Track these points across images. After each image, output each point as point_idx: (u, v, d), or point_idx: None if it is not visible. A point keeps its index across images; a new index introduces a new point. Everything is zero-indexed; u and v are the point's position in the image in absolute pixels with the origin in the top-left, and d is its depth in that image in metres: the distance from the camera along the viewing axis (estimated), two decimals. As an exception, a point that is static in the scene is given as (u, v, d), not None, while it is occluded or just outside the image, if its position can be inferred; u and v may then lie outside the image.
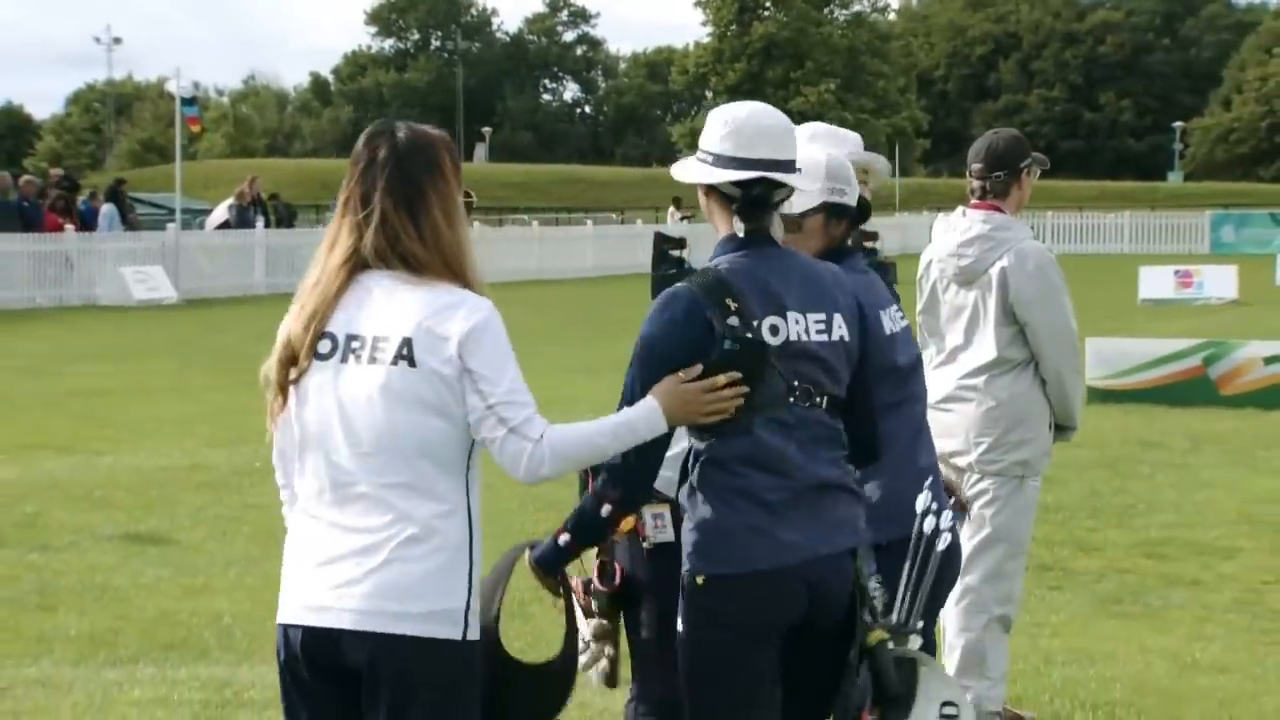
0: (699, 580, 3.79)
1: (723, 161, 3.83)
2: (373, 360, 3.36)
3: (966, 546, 5.97)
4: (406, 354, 3.34)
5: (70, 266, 28.80)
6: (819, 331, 3.84)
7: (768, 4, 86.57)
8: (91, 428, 13.77)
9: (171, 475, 11.44)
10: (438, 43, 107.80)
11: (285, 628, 3.46)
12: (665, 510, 4.21)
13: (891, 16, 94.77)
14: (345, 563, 3.37)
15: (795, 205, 4.26)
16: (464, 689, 3.44)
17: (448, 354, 3.34)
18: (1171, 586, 8.32)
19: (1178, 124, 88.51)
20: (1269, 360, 14.90)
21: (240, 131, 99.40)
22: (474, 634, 3.43)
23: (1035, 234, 6.38)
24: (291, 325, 3.44)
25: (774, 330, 3.77)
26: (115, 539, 9.36)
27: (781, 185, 3.85)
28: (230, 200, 33.76)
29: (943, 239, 6.05)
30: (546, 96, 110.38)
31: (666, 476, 4.05)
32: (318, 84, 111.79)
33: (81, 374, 17.79)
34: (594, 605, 4.30)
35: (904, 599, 4.03)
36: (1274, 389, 14.73)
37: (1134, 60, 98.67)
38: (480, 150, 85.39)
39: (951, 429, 5.95)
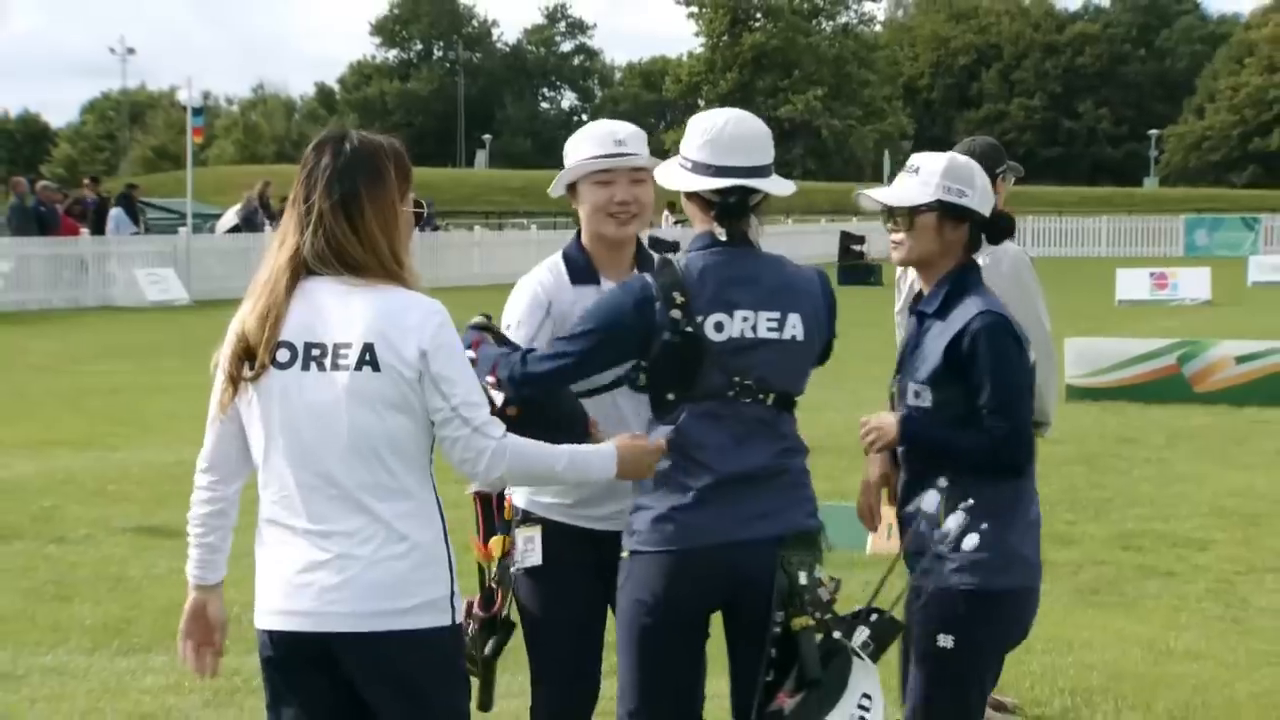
0: (624, 555, 3.94)
1: (700, 168, 3.90)
2: (335, 367, 3.34)
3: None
4: (370, 359, 3.33)
5: (86, 269, 28.81)
6: (770, 329, 3.88)
7: (758, 15, 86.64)
8: (106, 424, 13.75)
9: (184, 470, 11.32)
10: (440, 53, 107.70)
11: (266, 633, 3.46)
12: (536, 533, 4.16)
13: (877, 28, 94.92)
14: (327, 568, 3.36)
15: (906, 198, 4.08)
16: (458, 668, 3.49)
17: (409, 356, 3.33)
18: (1147, 577, 8.33)
19: (1153, 132, 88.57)
20: (1241, 359, 14.92)
21: (249, 138, 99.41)
22: (460, 616, 3.47)
23: (1016, 237, 6.37)
24: (247, 321, 3.41)
25: (718, 327, 3.85)
26: (129, 532, 9.36)
27: (756, 190, 3.92)
28: (239, 205, 33.75)
29: (920, 242, 6.04)
30: (545, 104, 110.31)
31: (542, 502, 4.18)
32: (324, 93, 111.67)
33: (96, 372, 17.77)
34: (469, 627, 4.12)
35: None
36: (1246, 386, 14.75)
37: (1111, 70, 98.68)
38: (481, 156, 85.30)
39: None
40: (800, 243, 47.00)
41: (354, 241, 3.37)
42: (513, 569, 4.17)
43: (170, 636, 7.10)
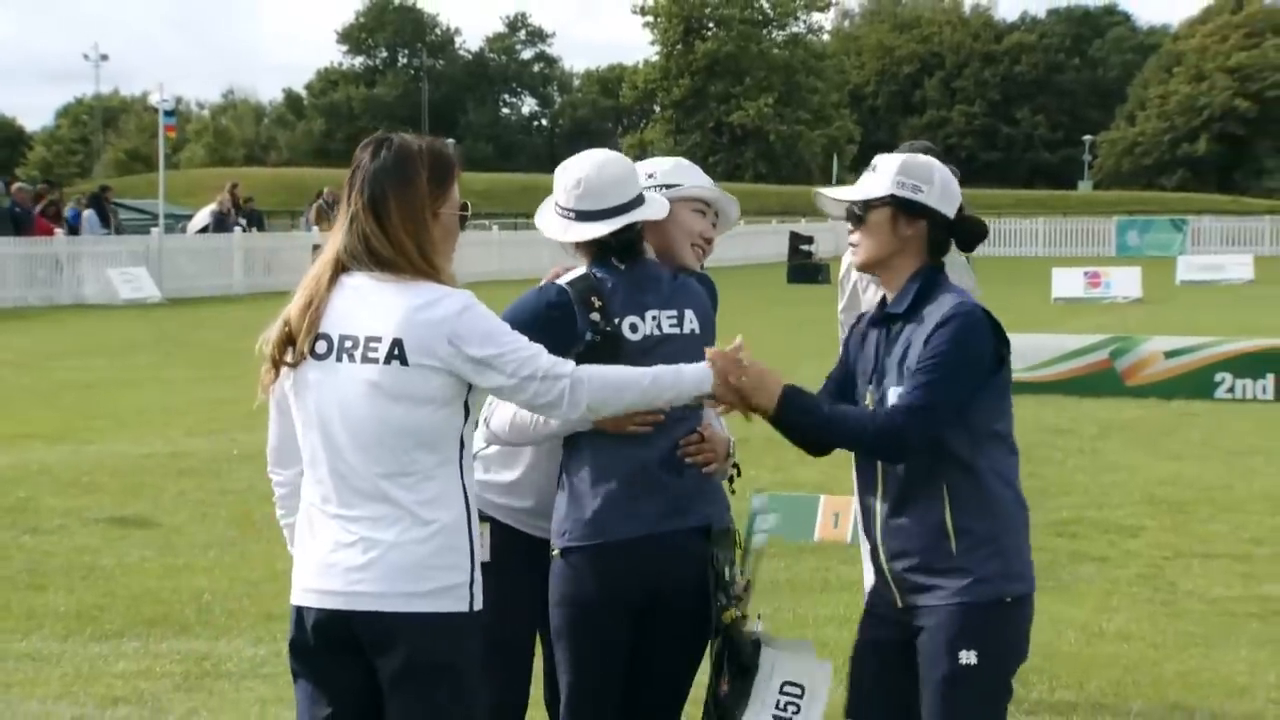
0: (554, 553, 3.94)
1: (586, 216, 3.99)
2: (366, 360, 3.37)
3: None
4: (398, 353, 3.35)
5: (60, 268, 28.58)
6: (671, 325, 3.99)
7: (711, 24, 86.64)
8: (80, 418, 13.64)
9: (155, 462, 11.35)
10: (404, 60, 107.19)
11: (299, 609, 3.46)
12: (485, 530, 4.04)
13: (825, 37, 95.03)
14: (353, 549, 3.37)
15: (857, 193, 3.85)
16: (473, 656, 3.45)
17: (439, 350, 3.35)
18: (1081, 562, 8.38)
19: (1087, 137, 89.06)
20: (1169, 354, 15.03)
21: (220, 142, 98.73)
22: (479, 604, 3.45)
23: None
24: (292, 310, 3.46)
25: (633, 328, 3.95)
26: (102, 522, 9.28)
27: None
28: (211, 206, 33.53)
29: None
30: (506, 110, 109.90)
31: (494, 503, 4.14)
32: (292, 98, 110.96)
33: (71, 368, 17.62)
34: None
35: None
36: (1174, 380, 14.86)
37: (1047, 79, 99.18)
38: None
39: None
40: (751, 243, 47.06)
41: (383, 240, 3.40)
42: None
43: (142, 624, 7.09)
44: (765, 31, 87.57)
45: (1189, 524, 9.34)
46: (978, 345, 3.68)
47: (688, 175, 4.27)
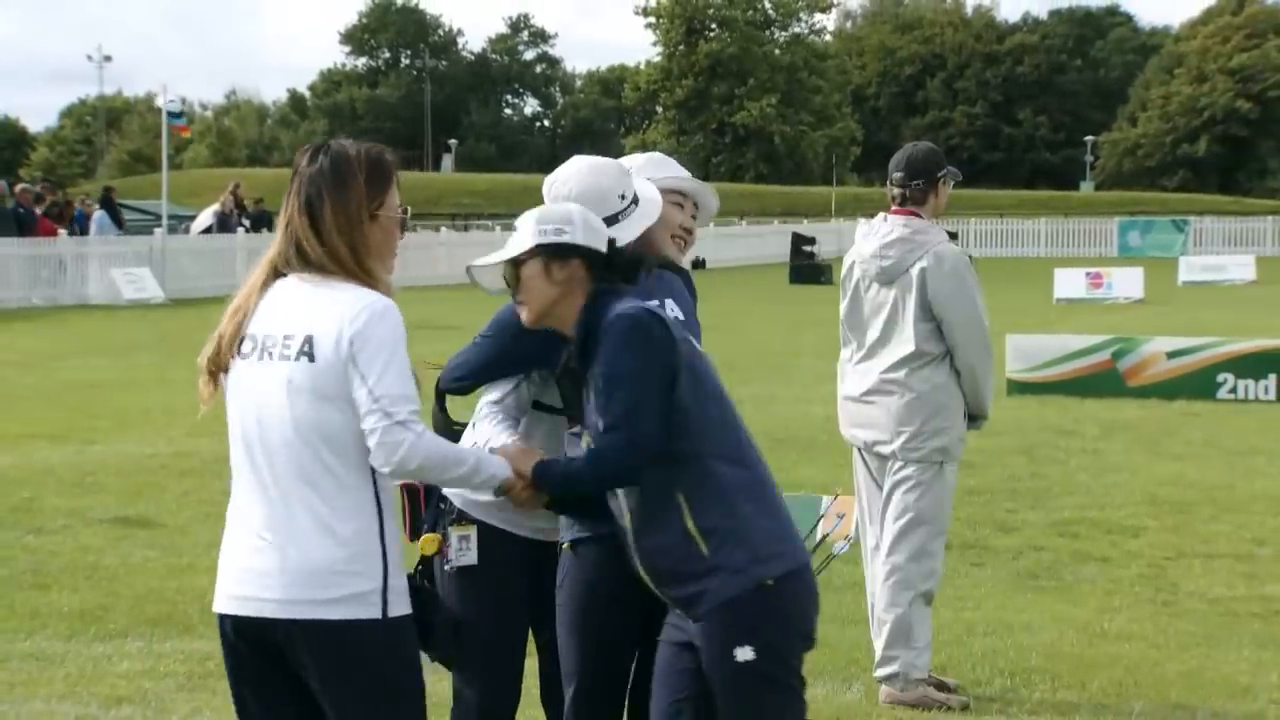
0: (564, 546, 3.96)
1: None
2: (283, 357, 3.37)
3: (892, 529, 6.01)
4: (308, 350, 3.33)
5: (64, 269, 28.61)
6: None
7: (713, 25, 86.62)
8: (84, 418, 13.64)
9: (158, 462, 11.35)
10: (407, 61, 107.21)
11: (220, 616, 3.48)
12: (472, 532, 4.07)
13: (827, 38, 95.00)
14: (265, 554, 3.36)
15: (505, 254, 3.85)
16: (394, 664, 3.39)
17: (341, 347, 3.32)
18: (1083, 562, 8.37)
19: (1089, 138, 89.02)
20: (1171, 355, 15.02)
21: (223, 143, 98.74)
22: (398, 610, 3.39)
23: (959, 239, 6.41)
24: (223, 320, 3.50)
25: None
26: (105, 522, 9.28)
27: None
28: (214, 206, 33.55)
29: (864, 242, 6.09)
30: (508, 111, 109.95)
31: (479, 502, 4.06)
32: (295, 99, 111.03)
33: (74, 369, 17.63)
34: None
35: None
36: (1176, 381, 14.85)
37: (1049, 79, 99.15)
38: (447, 161, 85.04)
39: (875, 420, 5.98)
40: (753, 244, 47.09)
41: (314, 243, 3.39)
42: (447, 567, 4.04)
43: (145, 623, 7.08)
44: (768, 32, 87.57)
45: (1191, 524, 9.33)
46: (643, 344, 3.58)
47: (663, 168, 4.29)
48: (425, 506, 4.12)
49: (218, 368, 3.48)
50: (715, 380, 3.73)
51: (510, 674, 4.22)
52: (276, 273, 3.45)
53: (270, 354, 3.39)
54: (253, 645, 3.42)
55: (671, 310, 4.02)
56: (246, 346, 3.42)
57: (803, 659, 3.68)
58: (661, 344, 3.60)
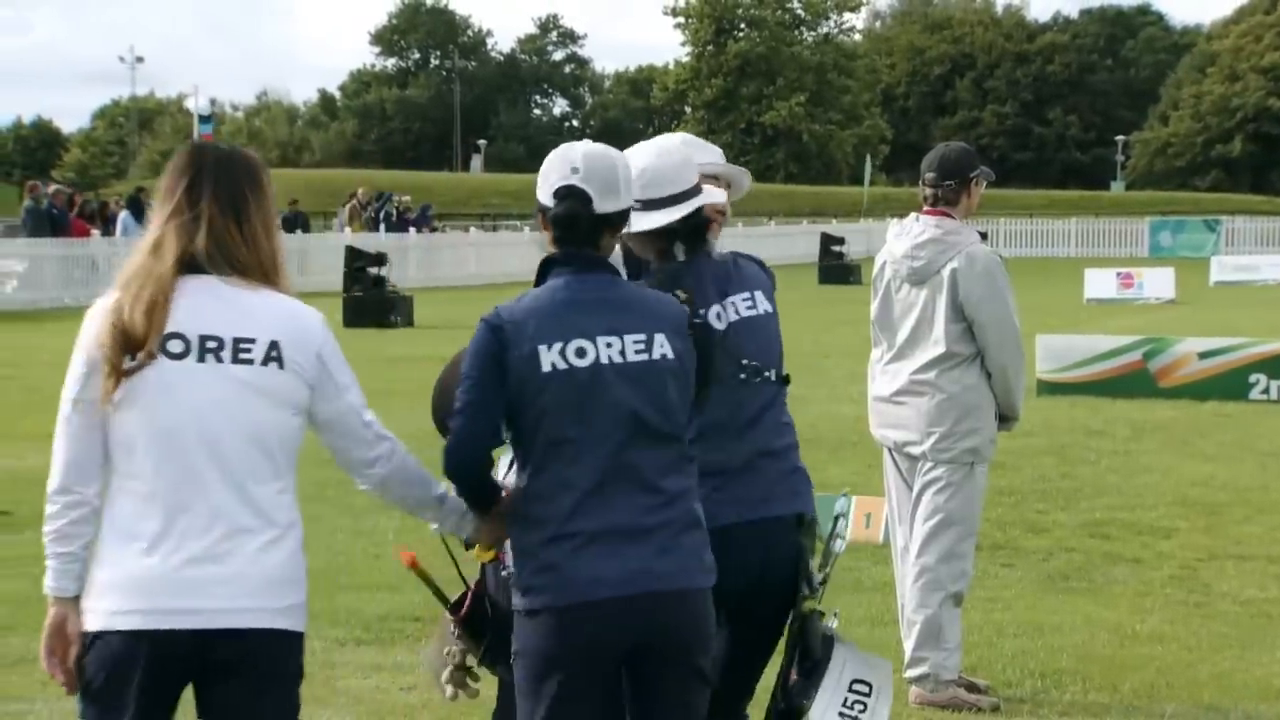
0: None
1: (652, 205, 3.96)
2: (239, 360, 3.26)
3: (922, 530, 5.99)
4: (276, 356, 3.27)
5: (96, 269, 28.76)
6: (748, 308, 4.11)
7: (742, 25, 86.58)
8: (115, 418, 13.70)
9: (190, 462, 11.37)
10: (436, 61, 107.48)
11: (127, 634, 3.21)
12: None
13: (857, 37, 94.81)
14: (212, 563, 3.21)
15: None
16: (299, 680, 3.38)
17: (309, 360, 3.31)
18: (1114, 564, 8.34)
19: (1120, 138, 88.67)
20: (1203, 355, 14.94)
21: (253, 144, 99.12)
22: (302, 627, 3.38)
23: (989, 239, 6.39)
24: (129, 312, 3.23)
25: (718, 316, 4.01)
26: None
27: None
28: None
29: (896, 242, 6.07)
30: (537, 111, 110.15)
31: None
32: (325, 100, 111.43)
33: (106, 368, 17.71)
34: (454, 632, 3.96)
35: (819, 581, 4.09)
36: (1208, 381, 14.77)
37: (1079, 79, 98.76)
38: (476, 161, 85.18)
39: (905, 420, 5.96)
40: (782, 244, 47.03)
41: (240, 244, 3.33)
42: (504, 573, 3.86)
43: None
44: (797, 32, 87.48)
45: (1223, 525, 9.28)
46: (475, 353, 3.52)
47: (700, 152, 4.30)
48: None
49: (129, 366, 3.23)
50: (546, 393, 3.47)
51: None
52: (185, 269, 3.29)
53: (219, 356, 3.25)
54: (167, 664, 3.22)
55: (762, 303, 4.05)
56: (176, 346, 3.24)
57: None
58: (488, 351, 3.50)
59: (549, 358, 3.46)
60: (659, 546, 3.47)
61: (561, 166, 3.62)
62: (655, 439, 3.50)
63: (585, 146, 3.66)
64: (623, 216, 3.65)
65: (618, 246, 3.98)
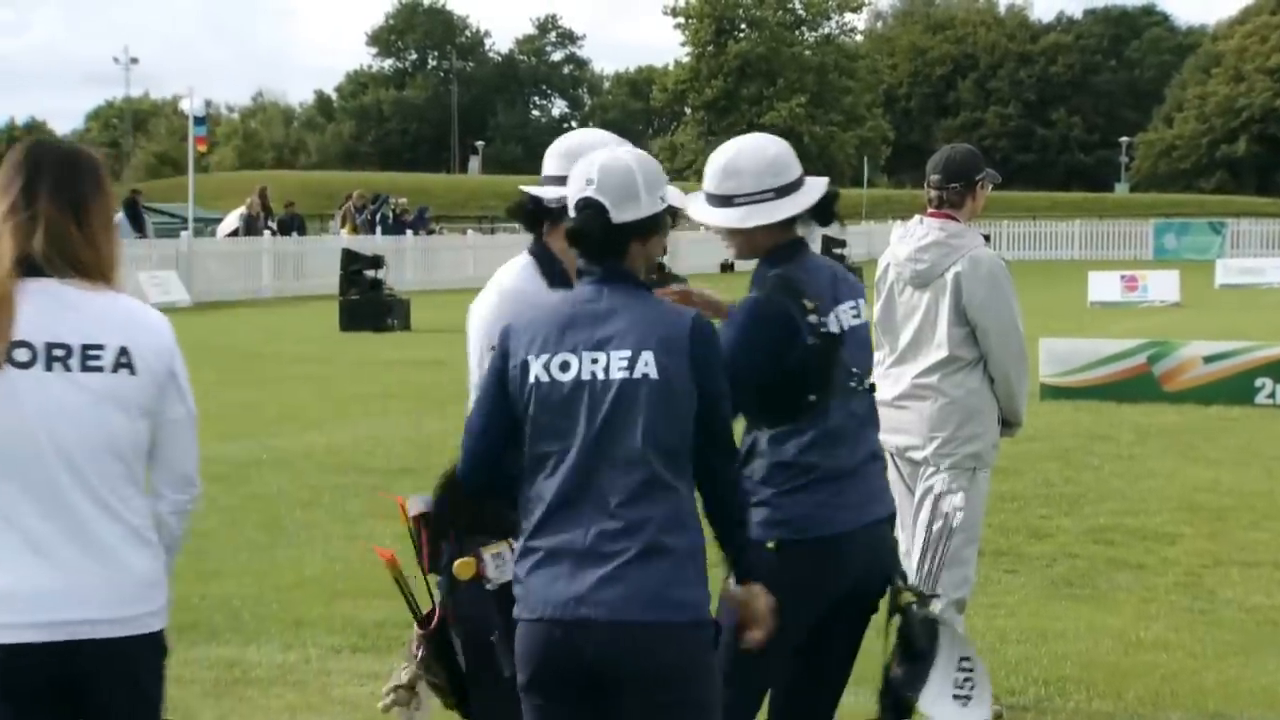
0: (769, 545, 3.92)
1: (785, 191, 4.04)
2: (88, 368, 3.19)
3: (922, 535, 5.99)
4: (126, 362, 3.23)
5: (88, 272, 28.74)
6: (854, 316, 4.13)
7: (743, 25, 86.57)
8: (109, 423, 13.68)
9: (184, 467, 11.36)
10: (434, 62, 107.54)
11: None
12: (504, 548, 3.90)
13: (858, 38, 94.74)
14: (84, 574, 3.17)
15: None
16: (164, 673, 3.40)
17: (160, 364, 3.29)
18: (1118, 570, 8.33)
19: (1124, 139, 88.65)
20: (1208, 359, 14.94)
21: (249, 145, 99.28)
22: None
23: (992, 241, 6.39)
24: None
25: (836, 322, 4.04)
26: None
27: None
28: (240, 210, 33.72)
29: (900, 244, 6.07)
30: (535, 113, 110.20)
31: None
32: (322, 101, 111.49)
33: (100, 372, 17.69)
34: (417, 649, 3.92)
35: (925, 568, 4.35)
36: (1213, 385, 14.77)
37: (1083, 79, 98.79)
38: (474, 163, 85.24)
39: (907, 425, 5.95)
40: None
41: (84, 245, 3.27)
42: (489, 587, 3.83)
43: (171, 629, 7.09)
44: (798, 32, 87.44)
45: (1228, 531, 9.28)
46: (490, 366, 3.62)
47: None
48: (445, 535, 3.97)
49: None
50: (530, 410, 3.50)
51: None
52: (24, 271, 3.22)
53: (67, 365, 3.18)
54: (35, 680, 3.15)
55: (865, 309, 4.16)
56: (21, 355, 3.15)
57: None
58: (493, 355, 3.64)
59: (535, 370, 3.47)
60: (605, 575, 3.40)
61: (579, 179, 3.57)
62: (623, 462, 3.42)
63: (604, 156, 3.57)
64: (653, 221, 3.55)
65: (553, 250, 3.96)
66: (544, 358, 3.47)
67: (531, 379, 3.47)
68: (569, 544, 3.44)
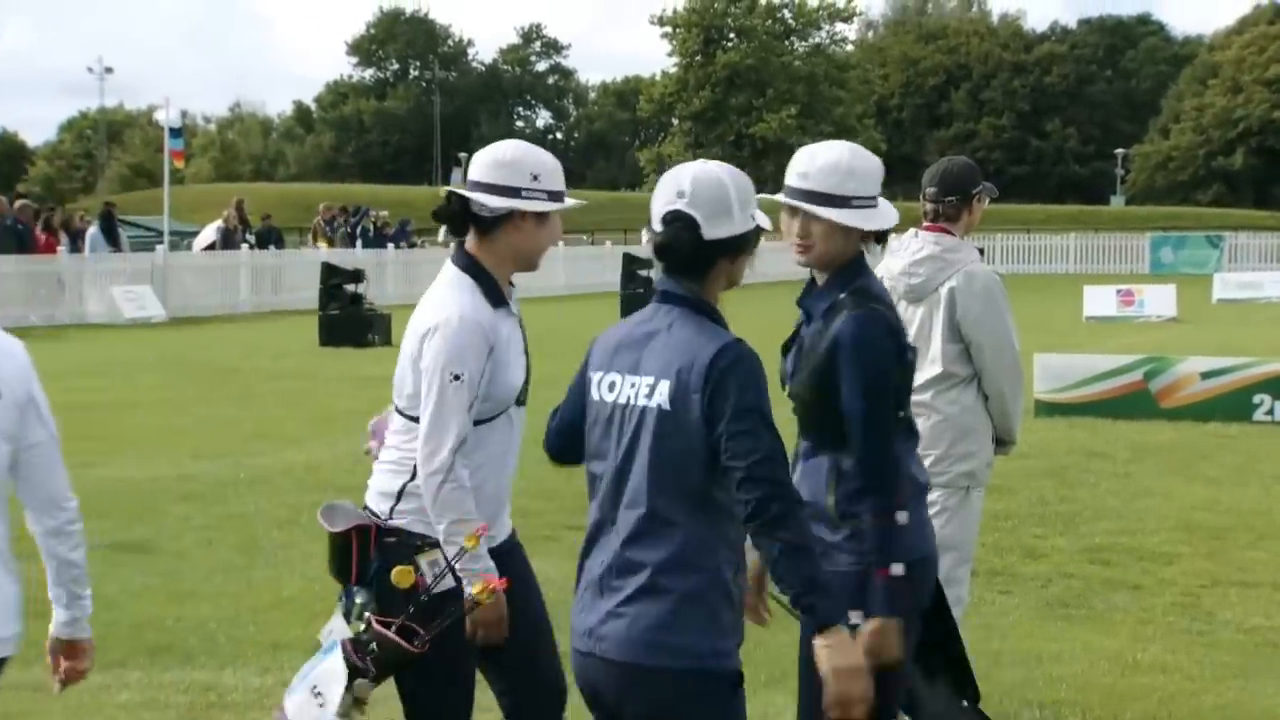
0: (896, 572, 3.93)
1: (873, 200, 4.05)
2: None
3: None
4: None
5: (62, 286, 28.69)
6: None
7: (731, 35, 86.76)
8: (82, 440, 13.64)
9: (158, 486, 11.36)
10: (416, 72, 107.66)
11: None
12: (439, 556, 3.92)
13: (849, 48, 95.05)
14: None
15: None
16: None
17: (20, 386, 3.33)
18: (1114, 590, 8.34)
19: (1119, 151, 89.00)
20: (1206, 375, 14.97)
21: (226, 157, 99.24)
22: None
23: (986, 255, 6.39)
24: None
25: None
26: (104, 548, 9.27)
27: None
28: (217, 223, 33.66)
29: (893, 258, 6.07)
30: (520, 123, 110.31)
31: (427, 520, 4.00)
32: (301, 111, 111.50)
33: (72, 389, 17.64)
34: (370, 664, 3.85)
35: None
36: (1211, 402, 14.80)
37: (1078, 90, 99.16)
38: (456, 175, 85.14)
39: (900, 442, 5.95)
40: (774, 260, 47.06)
41: None
42: (425, 597, 3.82)
43: (144, 653, 7.08)
44: (788, 42, 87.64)
45: (1226, 551, 9.29)
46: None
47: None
48: (374, 544, 4.04)
49: None
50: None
51: (546, 670, 4.28)
52: None
53: None
54: None
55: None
56: None
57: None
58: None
59: (593, 386, 3.53)
60: (610, 610, 3.38)
61: (668, 190, 3.45)
62: (630, 494, 3.38)
63: (695, 168, 3.47)
64: (743, 240, 3.45)
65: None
66: (598, 374, 3.51)
67: (591, 395, 3.54)
68: (590, 572, 3.47)
